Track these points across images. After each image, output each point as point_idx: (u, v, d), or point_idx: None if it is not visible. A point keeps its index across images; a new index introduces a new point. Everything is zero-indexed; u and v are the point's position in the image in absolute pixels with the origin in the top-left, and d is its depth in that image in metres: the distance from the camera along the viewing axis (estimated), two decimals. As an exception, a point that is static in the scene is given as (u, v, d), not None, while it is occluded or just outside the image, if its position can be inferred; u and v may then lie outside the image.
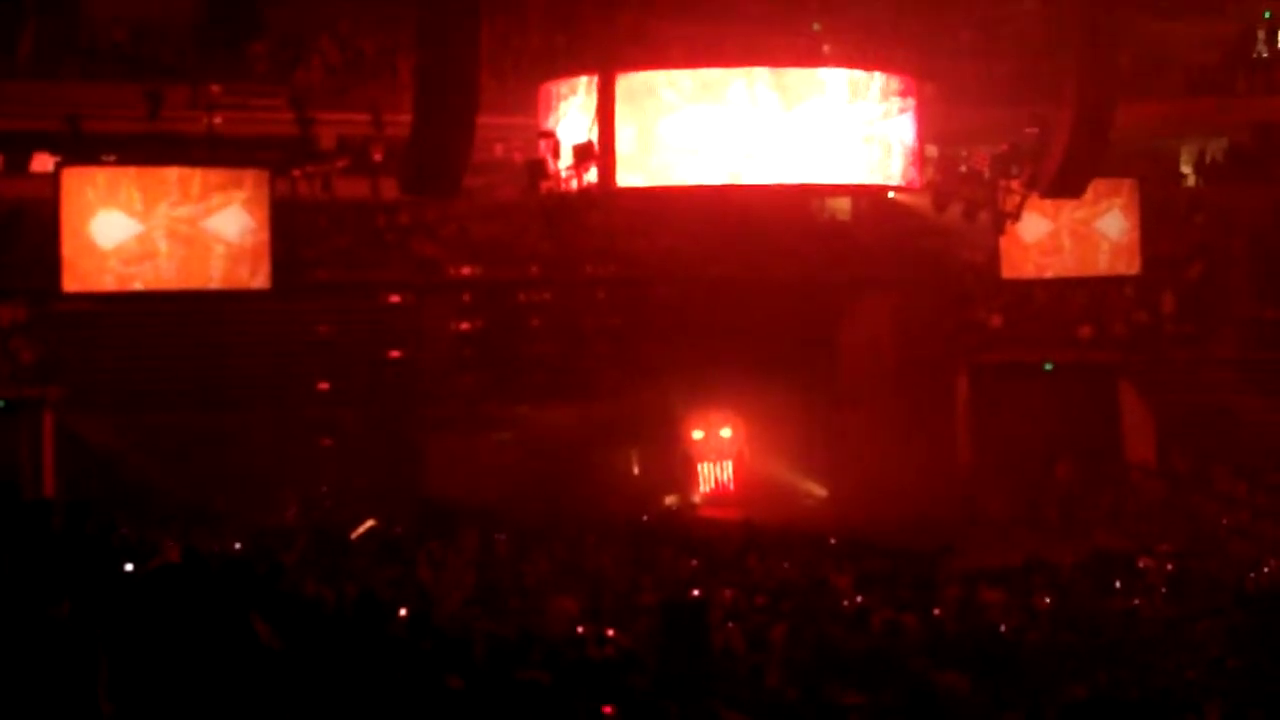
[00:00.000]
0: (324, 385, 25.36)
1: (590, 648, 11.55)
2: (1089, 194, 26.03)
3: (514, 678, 8.15)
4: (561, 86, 23.50)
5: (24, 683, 6.98)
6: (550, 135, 22.89)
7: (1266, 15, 29.47)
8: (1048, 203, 26.49)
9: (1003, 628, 13.96)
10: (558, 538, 20.44)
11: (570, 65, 23.49)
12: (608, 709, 8.27)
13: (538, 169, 22.51)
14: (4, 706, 7.04)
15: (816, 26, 25.74)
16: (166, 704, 7.23)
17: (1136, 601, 16.52)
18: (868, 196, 27.03)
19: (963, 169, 26.29)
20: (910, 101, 24.31)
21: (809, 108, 23.36)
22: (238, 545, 18.02)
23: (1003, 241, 27.10)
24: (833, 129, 23.47)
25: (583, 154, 22.20)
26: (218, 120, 23.61)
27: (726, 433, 26.74)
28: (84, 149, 23.42)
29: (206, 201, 23.76)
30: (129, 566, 10.89)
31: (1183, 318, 28.87)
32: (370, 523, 20.30)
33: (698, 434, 26.62)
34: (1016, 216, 25.71)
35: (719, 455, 26.62)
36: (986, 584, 16.65)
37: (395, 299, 26.47)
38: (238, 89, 23.19)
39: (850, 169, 23.79)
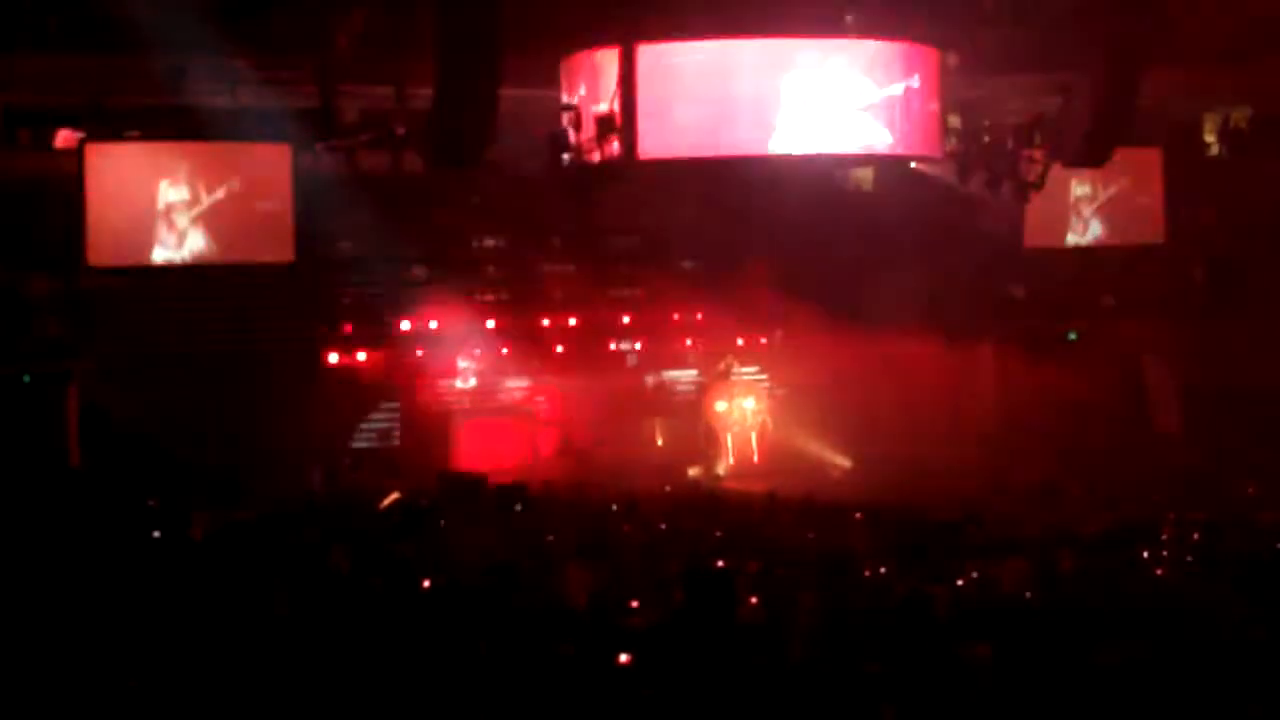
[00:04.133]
0: (348, 358, 25.46)
1: (614, 618, 11.58)
2: (1113, 163, 25.97)
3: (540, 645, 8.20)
4: (583, 58, 23.47)
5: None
6: (572, 107, 22.88)
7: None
8: (1071, 172, 26.44)
9: (1028, 595, 13.94)
10: (581, 509, 20.47)
11: (592, 36, 23.45)
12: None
13: (560, 141, 22.52)
14: None
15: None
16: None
17: (1160, 571, 16.49)
18: (890, 167, 26.97)
19: (985, 138, 26.20)
20: (932, 70, 24.23)
21: (830, 77, 23.29)
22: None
23: (1026, 211, 27.08)
24: (854, 99, 23.41)
25: (605, 126, 22.20)
26: (241, 95, 23.65)
27: (750, 404, 26.73)
28: (107, 124, 23.52)
29: (230, 175, 23.86)
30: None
31: (1208, 286, 28.78)
32: (395, 494, 20.35)
33: (721, 405, 26.60)
34: (1040, 186, 25.66)
35: (742, 427, 26.61)
36: (1011, 554, 16.64)
37: (418, 272, 26.49)
38: (261, 62, 23.18)
39: (872, 139, 23.74)
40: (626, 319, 27.28)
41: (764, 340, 27.62)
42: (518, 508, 20.29)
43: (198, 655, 9.75)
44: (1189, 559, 17.12)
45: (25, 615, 10.73)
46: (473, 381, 25.95)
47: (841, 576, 14.97)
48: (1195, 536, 18.30)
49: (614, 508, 20.37)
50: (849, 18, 24.53)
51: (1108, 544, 17.81)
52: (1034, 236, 27.95)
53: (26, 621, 10.55)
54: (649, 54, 22.57)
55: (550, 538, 17.24)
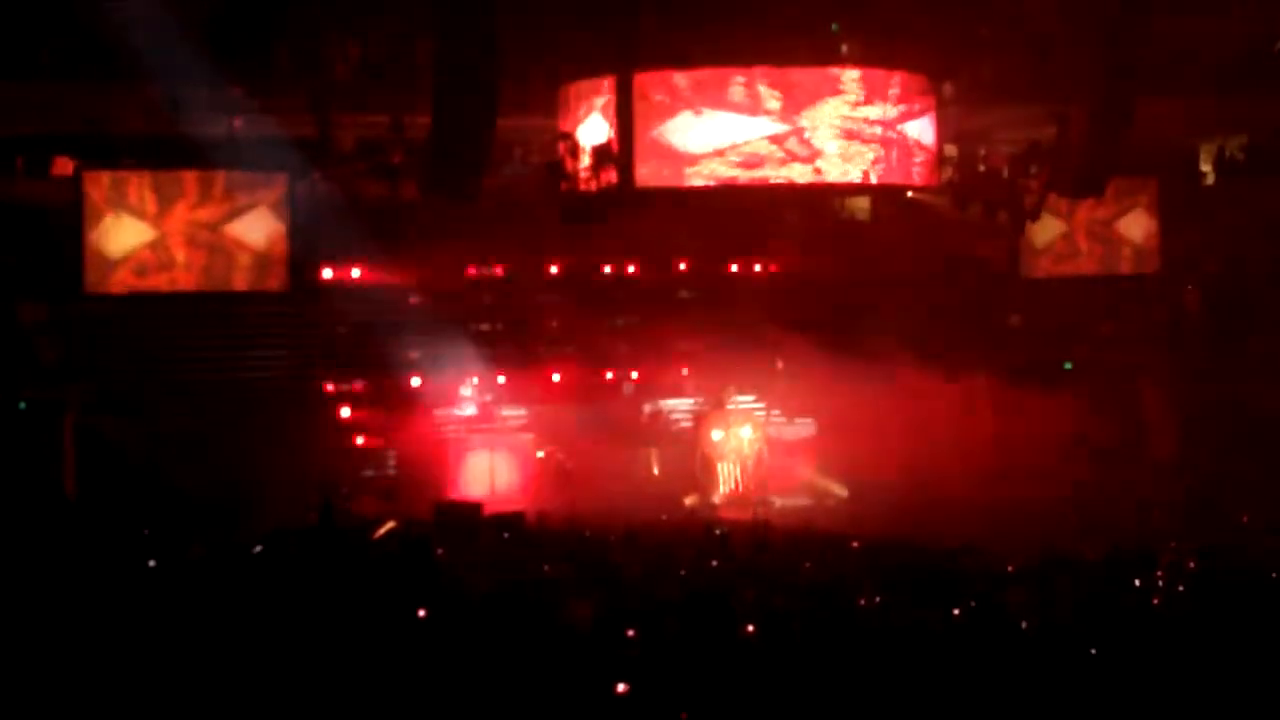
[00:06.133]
0: (345, 387, 25.43)
1: (612, 646, 11.55)
2: (1109, 193, 26.02)
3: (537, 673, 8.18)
4: (580, 87, 23.51)
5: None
6: (569, 136, 22.90)
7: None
8: (1067, 202, 26.48)
9: (1024, 625, 13.92)
10: (577, 538, 20.43)
11: (589, 66, 23.50)
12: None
13: (557, 170, 22.55)
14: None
15: (835, 27, 25.72)
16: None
17: (1155, 600, 16.45)
18: (887, 196, 27.00)
19: (981, 168, 26.25)
20: (929, 100, 24.28)
21: (827, 107, 23.33)
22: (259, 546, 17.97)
23: (1022, 241, 27.12)
24: (850, 128, 23.44)
25: (602, 155, 22.23)
26: (237, 123, 23.69)
27: (746, 433, 26.70)
28: (104, 152, 23.56)
29: (226, 204, 23.90)
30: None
31: (1204, 315, 28.80)
32: (391, 524, 20.30)
33: (717, 434, 26.57)
34: (1036, 216, 25.71)
35: (739, 455, 26.57)
36: (1008, 582, 16.61)
37: (414, 300, 26.49)
38: (258, 91, 23.23)
39: (869, 169, 23.77)
40: (623, 348, 27.28)
41: (760, 369, 27.58)
42: (507, 536, 20.24)
43: (194, 683, 9.73)
44: (1180, 588, 17.09)
45: (20, 644, 10.70)
46: (469, 410, 25.91)
47: (838, 605, 14.95)
48: (1191, 565, 18.27)
49: (610, 537, 20.32)
50: (844, 47, 24.60)
51: (1106, 572, 17.79)
52: (1030, 266, 28.00)
53: (21, 651, 10.53)
54: (644, 82, 22.62)
55: (547, 567, 17.20)
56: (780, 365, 27.36)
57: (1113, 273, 28.54)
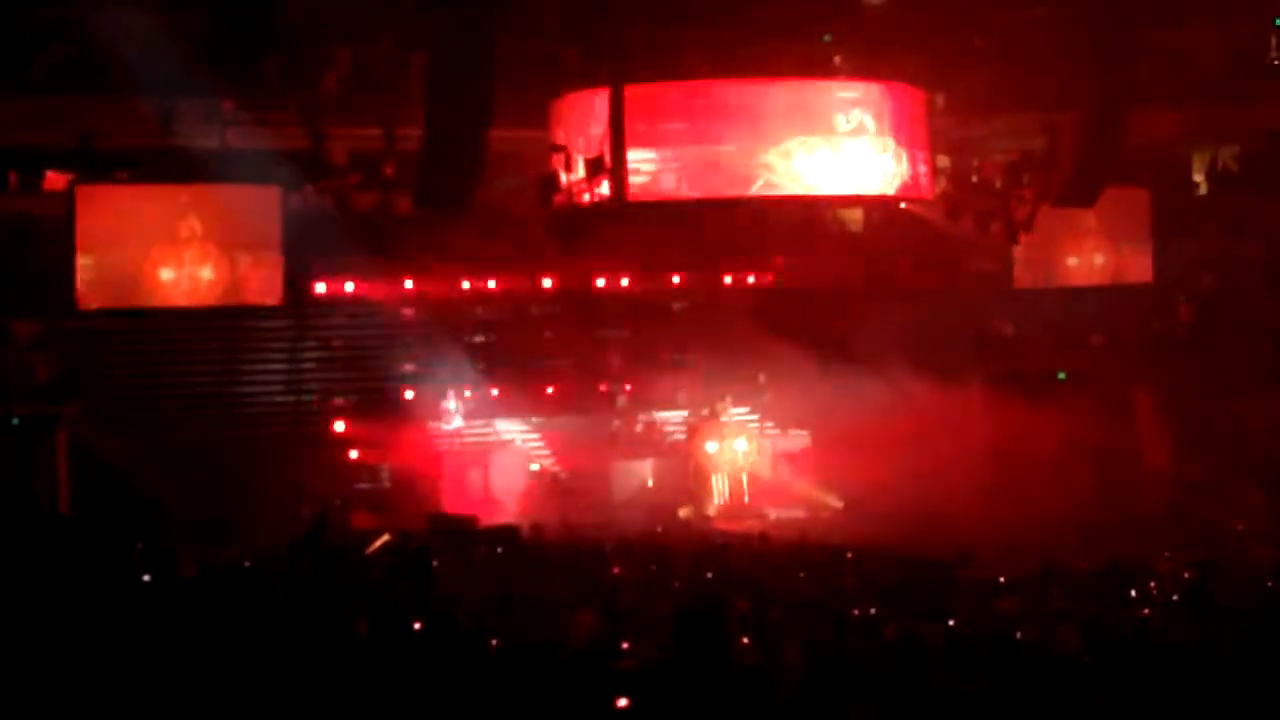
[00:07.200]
0: (339, 400, 25.40)
1: (607, 659, 11.53)
2: (1101, 203, 26.05)
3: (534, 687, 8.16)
4: (573, 99, 23.53)
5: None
6: (562, 149, 22.90)
7: (1279, 22, 29.38)
8: (1060, 211, 26.51)
9: (1019, 635, 13.91)
10: (572, 550, 20.41)
11: (582, 78, 23.53)
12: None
13: (550, 182, 22.54)
14: None
15: (828, 38, 25.76)
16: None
17: (1146, 611, 16.46)
18: (880, 207, 27.02)
19: (974, 179, 26.29)
20: (921, 111, 24.31)
21: (820, 119, 23.35)
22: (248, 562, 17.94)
23: (1015, 251, 27.12)
24: (844, 140, 23.46)
25: (594, 167, 22.23)
26: (230, 136, 23.69)
27: (741, 445, 26.68)
28: (97, 166, 23.55)
29: (219, 218, 23.88)
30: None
31: (1197, 326, 28.81)
32: (385, 537, 20.27)
33: (712, 445, 26.55)
34: (1028, 226, 25.71)
35: (733, 467, 26.55)
36: (1003, 593, 16.61)
37: (407, 313, 26.48)
38: (250, 104, 23.24)
39: (862, 180, 23.79)
40: (617, 359, 27.29)
41: (755, 381, 27.57)
42: (501, 549, 20.22)
43: (188, 699, 9.70)
44: (1175, 598, 17.09)
45: (12, 659, 10.68)
46: (462, 422, 25.89)
47: (833, 617, 14.93)
48: (1187, 575, 18.27)
49: (605, 549, 20.31)
50: (837, 59, 24.63)
51: (1099, 583, 17.78)
52: (1023, 276, 28.00)
53: (14, 665, 10.50)
54: (636, 95, 22.63)
55: (543, 580, 17.18)
56: (775, 377, 27.32)
57: (1105, 283, 28.55)
